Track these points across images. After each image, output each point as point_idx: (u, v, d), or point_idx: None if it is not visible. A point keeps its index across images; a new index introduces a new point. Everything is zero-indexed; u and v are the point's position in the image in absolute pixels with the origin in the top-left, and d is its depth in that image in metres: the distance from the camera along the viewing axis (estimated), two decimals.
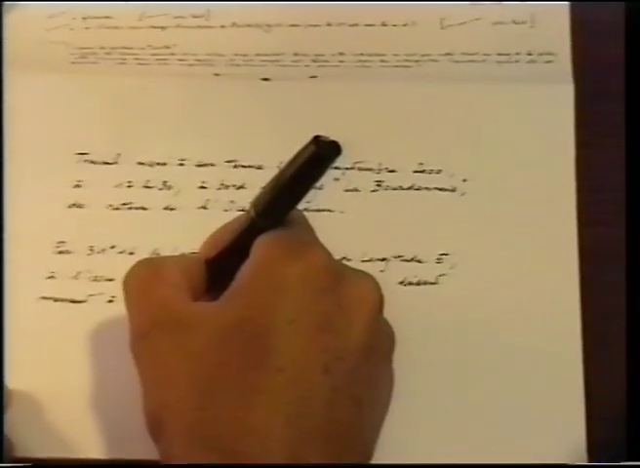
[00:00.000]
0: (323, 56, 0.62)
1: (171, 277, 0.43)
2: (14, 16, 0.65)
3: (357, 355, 0.41)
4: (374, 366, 0.42)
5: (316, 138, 0.39)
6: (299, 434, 0.38)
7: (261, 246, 0.42)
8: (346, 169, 0.56)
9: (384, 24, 0.63)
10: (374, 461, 0.42)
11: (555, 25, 0.62)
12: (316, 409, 0.39)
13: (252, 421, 0.38)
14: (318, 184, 0.55)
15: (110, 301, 0.53)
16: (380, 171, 0.56)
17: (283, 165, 0.41)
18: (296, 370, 0.39)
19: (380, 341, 0.43)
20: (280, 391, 0.39)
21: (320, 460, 0.39)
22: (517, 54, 0.61)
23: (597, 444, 0.49)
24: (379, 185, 0.56)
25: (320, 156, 0.39)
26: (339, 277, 0.42)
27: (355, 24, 0.64)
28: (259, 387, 0.39)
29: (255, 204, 0.42)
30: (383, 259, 0.53)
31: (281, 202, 0.41)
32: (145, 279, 0.43)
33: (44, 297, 0.53)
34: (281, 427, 0.38)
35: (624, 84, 0.53)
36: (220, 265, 0.44)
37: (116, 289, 0.52)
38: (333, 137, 0.57)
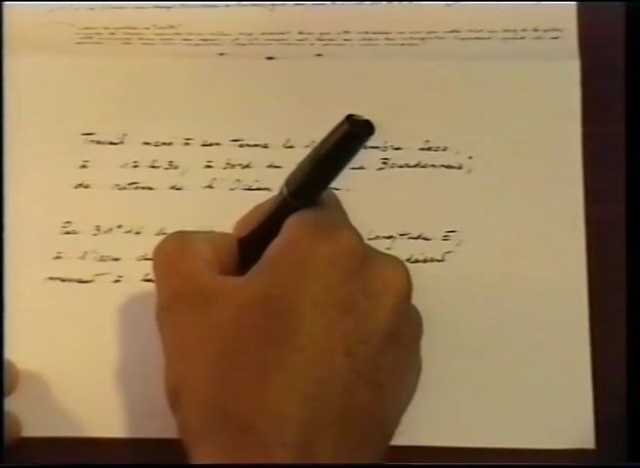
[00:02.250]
0: (328, 34, 0.62)
1: (199, 250, 0.43)
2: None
3: (381, 340, 0.40)
4: (398, 352, 0.41)
5: (349, 117, 0.38)
6: (314, 414, 0.38)
7: (291, 225, 0.41)
8: None
9: (389, 2, 0.63)
10: None
11: (561, 2, 0.62)
12: (335, 391, 0.39)
13: (269, 398, 0.38)
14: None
15: (117, 281, 0.53)
16: (385, 148, 0.56)
17: (315, 144, 0.40)
18: (316, 351, 0.39)
19: (405, 328, 0.42)
20: (299, 370, 0.38)
21: (334, 443, 0.38)
22: (523, 30, 0.60)
23: (603, 423, 0.49)
24: (385, 163, 0.56)
25: (353, 135, 0.38)
26: (367, 260, 0.41)
27: (360, 2, 0.63)
28: (278, 365, 0.39)
29: (287, 183, 0.42)
30: (390, 237, 0.53)
31: (313, 182, 0.41)
32: (173, 251, 0.43)
33: (51, 278, 0.53)
34: (297, 406, 0.38)
35: (626, 61, 0.53)
36: (252, 244, 0.44)
37: (123, 268, 0.53)
38: (339, 116, 0.57)
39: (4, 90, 0.58)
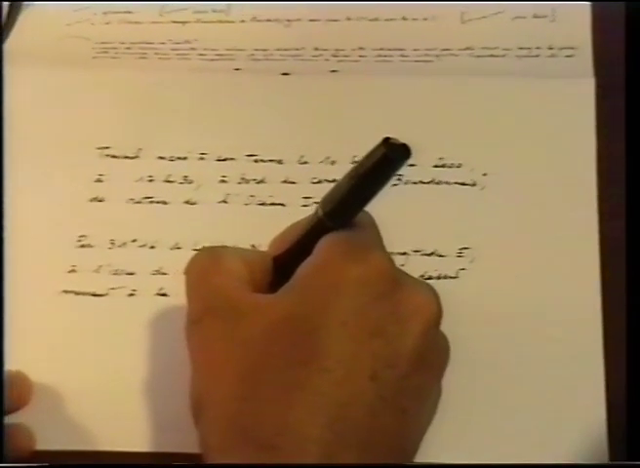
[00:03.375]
0: (343, 50, 0.62)
1: (231, 266, 0.43)
2: (35, 11, 0.66)
3: (407, 365, 0.40)
4: (423, 378, 0.41)
5: (386, 140, 0.38)
6: (337, 437, 0.38)
7: (324, 245, 0.41)
8: None
9: (405, 19, 0.64)
10: None
11: (576, 19, 0.62)
12: (359, 414, 0.39)
13: (291, 418, 0.38)
14: (339, 178, 0.56)
15: (131, 295, 0.53)
16: None
17: (353, 165, 0.40)
18: (342, 373, 0.39)
19: (432, 354, 0.42)
20: (324, 392, 0.38)
21: (354, 466, 0.38)
22: (538, 48, 0.61)
23: (617, 437, 0.48)
24: (399, 180, 0.56)
25: (390, 158, 0.38)
26: (397, 284, 0.41)
27: (375, 19, 0.64)
28: (303, 385, 0.38)
29: (323, 203, 0.42)
30: (404, 253, 0.53)
31: (348, 203, 0.41)
32: (206, 266, 0.43)
33: (65, 291, 0.53)
34: (320, 428, 0.38)
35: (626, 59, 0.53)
36: (285, 263, 0.44)
37: (137, 282, 0.53)
38: (353, 132, 0.57)
39: (24, 103, 0.58)
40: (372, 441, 0.39)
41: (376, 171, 0.39)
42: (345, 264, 0.40)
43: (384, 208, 0.55)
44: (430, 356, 0.42)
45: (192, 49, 0.63)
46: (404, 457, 0.41)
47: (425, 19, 0.63)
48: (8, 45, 0.63)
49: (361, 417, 0.38)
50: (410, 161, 0.55)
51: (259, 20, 0.65)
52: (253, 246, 0.51)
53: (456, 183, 0.56)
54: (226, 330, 0.40)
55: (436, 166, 0.56)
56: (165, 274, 0.53)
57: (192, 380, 0.41)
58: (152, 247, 0.54)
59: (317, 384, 0.38)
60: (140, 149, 0.58)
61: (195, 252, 0.51)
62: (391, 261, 0.42)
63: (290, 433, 0.38)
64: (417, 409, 0.41)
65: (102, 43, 0.63)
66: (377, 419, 0.39)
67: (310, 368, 0.38)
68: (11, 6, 0.65)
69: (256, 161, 0.57)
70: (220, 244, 0.48)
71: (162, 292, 0.53)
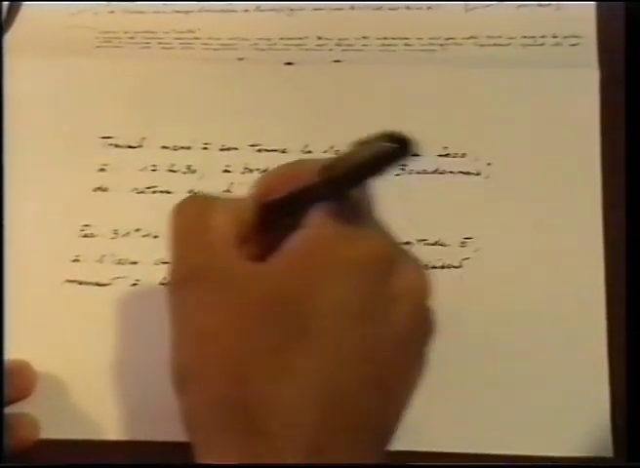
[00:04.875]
0: (347, 39, 0.62)
1: (219, 221, 0.41)
2: (38, 1, 0.66)
3: (396, 348, 0.40)
4: (409, 359, 0.41)
5: (395, 134, 0.38)
6: (326, 419, 0.38)
7: (317, 221, 0.40)
8: None
9: (408, 8, 0.63)
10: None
11: (581, 8, 0.62)
12: (348, 396, 0.38)
13: (280, 401, 0.38)
14: None
15: (134, 284, 0.53)
16: None
17: (360, 144, 0.39)
18: (332, 356, 0.38)
19: (421, 333, 0.42)
20: (314, 375, 0.38)
21: (346, 447, 0.38)
22: (542, 37, 0.61)
23: (621, 430, 0.48)
24: (402, 169, 0.56)
25: (394, 154, 0.38)
26: (389, 265, 0.40)
27: (379, 8, 0.64)
28: (292, 367, 0.38)
29: (322, 170, 0.40)
30: (407, 243, 0.53)
31: (347, 180, 0.40)
32: (193, 219, 0.41)
33: (69, 280, 0.53)
34: (309, 411, 0.38)
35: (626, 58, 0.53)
36: (271, 214, 0.42)
37: (140, 272, 0.53)
38: (357, 121, 0.57)
39: (27, 92, 0.58)
40: (360, 422, 0.39)
41: (378, 161, 0.39)
42: (337, 246, 0.39)
43: (389, 197, 0.55)
44: (418, 335, 0.41)
45: (196, 38, 0.63)
46: (388, 435, 0.41)
47: (429, 9, 0.63)
48: (11, 35, 0.63)
49: (350, 400, 0.38)
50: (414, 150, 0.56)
51: (262, 10, 0.64)
52: None
53: (460, 173, 0.56)
54: (214, 298, 0.39)
55: (440, 155, 0.56)
56: (168, 263, 0.53)
57: (174, 348, 0.40)
58: (156, 236, 0.54)
59: (306, 367, 0.38)
60: (144, 139, 0.58)
61: None
62: (385, 239, 0.41)
63: (280, 416, 0.38)
64: (402, 390, 0.41)
65: (106, 32, 0.63)
66: (365, 401, 0.39)
67: (300, 350, 0.38)
68: (10, 5, 0.65)
69: (259, 151, 0.57)
70: None
71: (166, 281, 0.52)
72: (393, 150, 0.38)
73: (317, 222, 0.40)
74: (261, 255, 0.41)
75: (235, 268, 0.40)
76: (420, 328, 0.41)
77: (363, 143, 0.39)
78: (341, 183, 0.40)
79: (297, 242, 0.40)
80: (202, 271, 0.40)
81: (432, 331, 0.42)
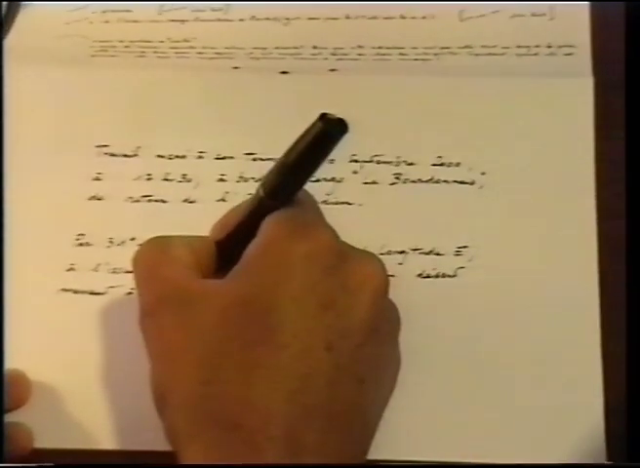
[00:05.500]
0: (342, 49, 0.62)
1: (178, 255, 0.43)
2: (34, 9, 0.66)
3: (361, 334, 0.41)
4: (378, 346, 0.42)
5: (323, 116, 0.39)
6: (299, 410, 0.39)
7: (268, 225, 0.42)
8: (365, 162, 0.56)
9: (403, 17, 0.64)
10: (377, 447, 0.43)
11: (575, 17, 0.62)
12: (318, 385, 0.40)
13: (254, 396, 0.39)
14: (337, 177, 0.56)
15: (130, 293, 0.53)
16: (398, 163, 0.56)
17: (292, 143, 0.41)
18: (299, 347, 0.40)
19: (384, 322, 0.43)
20: (283, 367, 0.39)
21: (319, 437, 0.39)
22: (536, 46, 0.61)
23: (616, 437, 0.48)
24: (397, 178, 0.56)
25: (327, 133, 0.39)
26: (344, 257, 0.42)
27: (374, 17, 0.64)
28: (262, 363, 0.39)
29: (263, 184, 0.43)
30: (402, 252, 0.53)
31: (289, 181, 0.42)
32: (153, 257, 0.44)
33: (64, 289, 0.53)
34: (282, 402, 0.39)
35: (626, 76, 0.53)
36: (230, 246, 0.44)
37: None
38: (352, 130, 0.57)
39: (22, 101, 0.58)
40: (333, 410, 0.40)
41: (313, 146, 0.40)
42: (291, 241, 0.41)
43: (383, 206, 0.55)
44: (382, 324, 0.43)
45: (191, 47, 0.63)
46: (367, 427, 0.42)
47: (424, 18, 0.63)
48: (6, 43, 0.63)
49: (321, 388, 0.39)
50: (409, 159, 0.56)
51: (257, 19, 0.65)
52: None
53: (454, 182, 0.56)
54: (181, 319, 0.41)
55: (435, 164, 0.56)
56: None
57: (152, 372, 0.42)
58: None
59: (276, 360, 0.39)
60: (139, 147, 0.58)
61: None
62: (336, 235, 0.43)
63: (253, 410, 0.39)
64: (374, 378, 0.42)
65: (101, 41, 0.63)
66: (335, 389, 0.40)
67: (267, 345, 0.39)
68: (9, 4, 0.65)
69: (254, 159, 0.57)
70: None
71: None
72: (326, 132, 0.38)
73: (267, 227, 0.42)
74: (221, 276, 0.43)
75: (197, 288, 0.42)
76: (382, 316, 0.43)
77: (296, 140, 0.40)
78: (283, 188, 0.41)
79: (250, 249, 0.42)
80: (166, 299, 0.42)
81: (397, 322, 0.44)
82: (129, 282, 0.53)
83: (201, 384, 0.40)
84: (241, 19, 0.65)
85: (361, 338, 0.41)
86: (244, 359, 0.39)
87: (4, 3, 0.65)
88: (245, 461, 0.38)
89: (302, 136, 0.40)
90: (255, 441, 0.38)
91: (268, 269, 0.41)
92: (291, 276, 0.41)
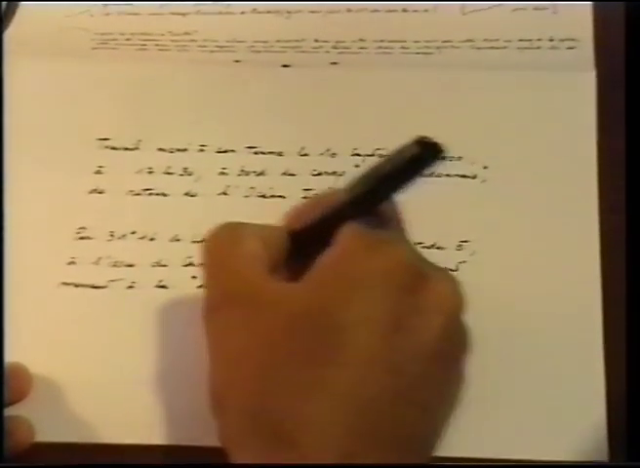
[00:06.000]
0: (343, 42, 0.62)
1: (250, 248, 0.42)
2: (34, 2, 0.65)
3: (429, 359, 0.39)
4: (444, 371, 0.41)
5: (420, 139, 0.38)
6: (357, 433, 0.38)
7: (346, 235, 0.41)
8: (367, 155, 0.56)
9: (405, 10, 0.63)
10: None
11: (577, 11, 0.62)
12: (378, 409, 0.38)
13: (312, 414, 0.38)
14: (339, 171, 0.56)
15: (130, 287, 0.53)
16: None
17: (384, 158, 0.40)
18: (363, 369, 0.38)
19: (454, 347, 0.41)
20: (344, 388, 0.38)
21: (374, 461, 0.38)
22: (539, 40, 0.61)
23: (617, 434, 0.48)
24: None
25: (422, 158, 0.38)
26: (419, 277, 0.40)
27: (376, 10, 0.64)
28: (323, 380, 0.38)
29: (348, 190, 0.42)
30: None
31: (374, 194, 0.41)
32: (225, 249, 0.42)
33: (65, 283, 0.53)
34: (340, 424, 0.38)
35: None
36: (303, 242, 0.43)
37: (136, 274, 0.53)
38: (353, 124, 0.57)
39: (23, 94, 0.58)
40: (391, 436, 0.38)
41: (407, 168, 0.39)
42: (367, 257, 0.40)
43: None
44: (451, 349, 0.41)
45: (192, 40, 0.63)
46: (423, 455, 0.40)
47: (426, 11, 0.63)
48: (7, 36, 0.63)
49: (382, 413, 0.38)
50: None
51: (259, 12, 0.64)
52: None
53: (456, 176, 0.56)
54: (246, 320, 0.40)
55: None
56: (164, 266, 0.53)
57: (212, 372, 0.41)
58: (152, 239, 0.54)
59: (338, 381, 0.38)
60: (140, 141, 0.58)
61: (194, 244, 0.51)
62: (414, 253, 0.41)
63: (310, 429, 0.37)
64: (437, 403, 0.40)
65: (102, 34, 0.63)
66: (397, 415, 0.38)
67: (331, 363, 0.38)
68: (8, 4, 0.65)
69: (256, 153, 0.57)
70: None
71: (162, 283, 0.52)
72: (420, 157, 0.38)
73: (345, 238, 0.41)
74: (293, 279, 0.41)
75: (266, 289, 0.40)
76: (452, 341, 0.41)
77: (390, 155, 0.39)
78: (368, 198, 0.41)
79: (325, 258, 0.40)
80: (234, 295, 0.41)
81: (466, 346, 0.42)
82: (130, 275, 0.53)
83: (258, 394, 0.39)
84: (242, 13, 0.64)
85: (428, 364, 0.39)
86: (305, 374, 0.38)
87: (3, 3, 0.65)
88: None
89: (397, 154, 0.39)
90: (307, 460, 0.37)
91: (341, 283, 0.39)
92: (363, 293, 0.39)
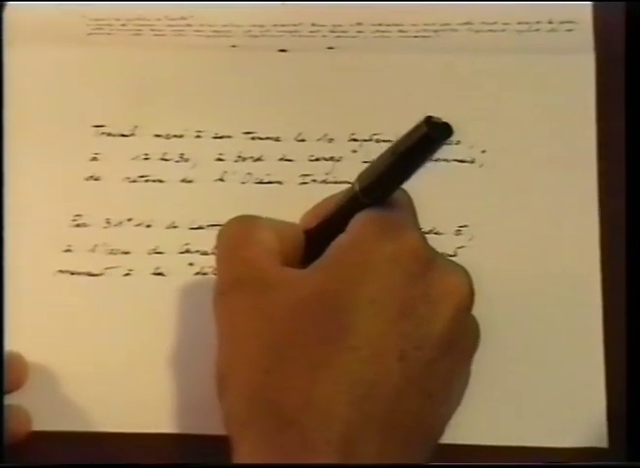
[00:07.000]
0: (341, 26, 0.62)
1: (263, 238, 0.42)
2: None
3: (436, 348, 0.39)
4: (451, 362, 0.41)
5: (428, 119, 0.37)
6: (360, 416, 0.38)
7: (358, 222, 0.41)
8: (364, 140, 0.56)
9: None
10: None
11: None
12: (384, 394, 0.38)
13: (315, 394, 0.38)
14: (337, 156, 0.55)
15: (127, 274, 0.52)
16: None
17: (393, 143, 0.39)
18: (370, 352, 0.38)
19: (462, 338, 0.41)
20: (350, 370, 0.38)
21: (377, 447, 0.38)
22: (538, 22, 0.60)
23: (617, 421, 0.48)
24: None
25: (431, 137, 0.38)
26: (430, 265, 0.40)
27: None
28: (329, 362, 0.38)
29: (359, 179, 0.41)
30: None
31: (386, 181, 0.41)
32: (237, 237, 0.43)
33: (61, 271, 0.53)
34: (344, 406, 0.38)
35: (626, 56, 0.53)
36: (318, 237, 0.43)
37: (133, 262, 0.53)
38: (351, 109, 0.57)
39: (18, 81, 0.58)
40: (396, 422, 0.38)
41: (416, 150, 0.38)
42: (378, 242, 0.40)
43: None
44: (460, 340, 0.41)
45: (188, 25, 0.62)
46: (426, 443, 0.41)
47: None
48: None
49: (386, 397, 0.38)
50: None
51: None
52: None
53: (454, 160, 0.55)
54: (253, 302, 0.40)
55: None
56: (161, 253, 0.53)
57: (218, 353, 0.41)
58: (148, 226, 0.54)
59: (344, 362, 0.38)
60: (136, 127, 0.57)
61: (191, 230, 0.51)
62: (425, 241, 0.41)
63: (314, 409, 0.37)
64: (443, 393, 0.40)
65: (97, 20, 0.63)
66: (402, 401, 0.39)
67: (338, 345, 0.38)
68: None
69: (253, 139, 0.57)
70: (216, 222, 0.48)
71: (158, 271, 0.52)
72: (429, 136, 0.37)
73: (357, 224, 0.41)
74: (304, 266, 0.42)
75: (276, 274, 0.41)
76: (461, 332, 0.41)
77: (398, 140, 0.39)
78: (380, 186, 0.40)
79: (337, 243, 0.41)
80: (244, 280, 0.41)
81: (475, 339, 0.42)
82: (126, 263, 0.53)
83: (263, 372, 0.39)
84: None
85: (435, 353, 0.39)
86: (311, 354, 0.38)
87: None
88: (295, 459, 0.37)
89: (405, 138, 0.38)
90: (309, 440, 0.37)
91: (350, 267, 0.40)
92: (372, 277, 0.39)
